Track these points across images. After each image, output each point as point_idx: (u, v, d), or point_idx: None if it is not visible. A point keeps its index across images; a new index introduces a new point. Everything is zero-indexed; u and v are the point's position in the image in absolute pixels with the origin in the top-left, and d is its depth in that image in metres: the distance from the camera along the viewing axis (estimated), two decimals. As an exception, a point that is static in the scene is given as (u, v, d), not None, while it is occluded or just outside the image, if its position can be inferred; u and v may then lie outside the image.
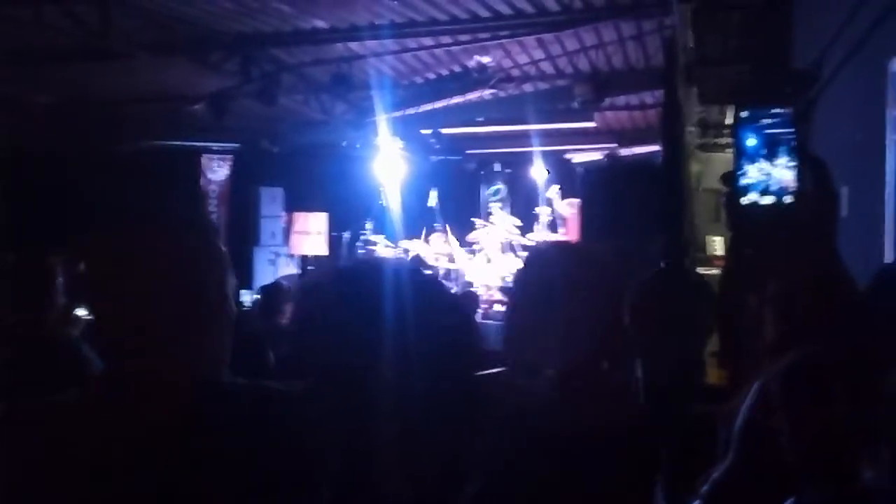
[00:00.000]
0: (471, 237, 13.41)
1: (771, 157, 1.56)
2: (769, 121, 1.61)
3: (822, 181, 1.65)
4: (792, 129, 1.61)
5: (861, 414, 2.13)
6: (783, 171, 1.56)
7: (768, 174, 1.58)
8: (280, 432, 1.57)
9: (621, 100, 11.69)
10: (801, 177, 1.59)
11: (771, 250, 1.72)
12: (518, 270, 1.88)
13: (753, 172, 1.58)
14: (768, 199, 1.58)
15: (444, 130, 12.49)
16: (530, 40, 9.26)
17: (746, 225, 1.67)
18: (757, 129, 1.59)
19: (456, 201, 13.91)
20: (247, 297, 10.74)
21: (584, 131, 12.79)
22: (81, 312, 4.29)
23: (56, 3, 7.34)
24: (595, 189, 8.94)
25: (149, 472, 1.43)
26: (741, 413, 2.63)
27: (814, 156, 1.66)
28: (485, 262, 13.07)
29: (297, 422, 1.65)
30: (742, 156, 1.61)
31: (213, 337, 1.61)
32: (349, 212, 14.05)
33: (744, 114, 1.63)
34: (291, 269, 14.35)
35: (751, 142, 1.60)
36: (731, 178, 1.64)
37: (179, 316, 1.52)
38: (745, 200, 1.60)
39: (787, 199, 1.56)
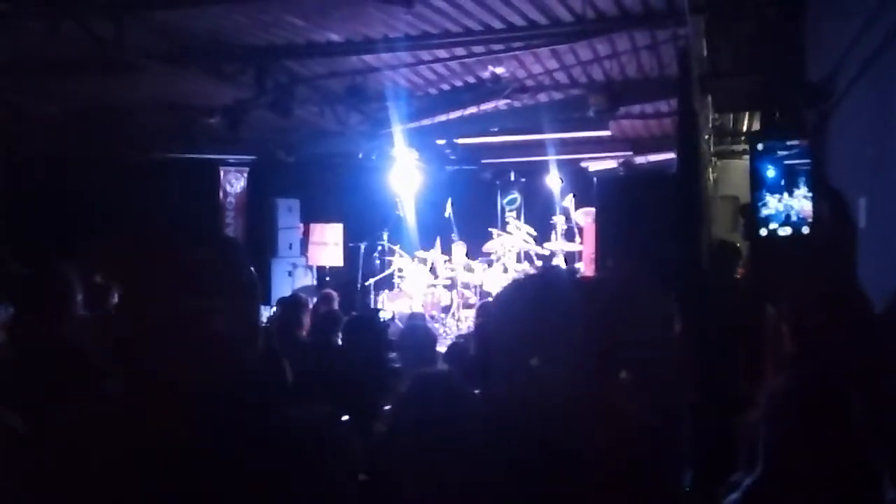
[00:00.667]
0: (487, 247, 13.41)
1: (788, 188, 1.56)
2: (786, 152, 1.61)
3: (840, 212, 1.65)
4: (808, 160, 1.60)
5: (874, 428, 2.13)
6: (800, 202, 1.56)
7: (786, 205, 1.58)
8: (294, 455, 1.58)
9: (636, 108, 11.68)
10: (818, 207, 1.60)
11: (789, 277, 1.72)
12: (496, 304, 1.82)
13: (772, 203, 1.58)
14: (786, 231, 1.57)
15: (460, 141, 12.49)
16: (544, 51, 9.25)
17: (766, 254, 1.68)
18: (774, 160, 1.59)
19: (472, 211, 13.90)
20: (264, 312, 10.68)
21: (600, 140, 12.77)
22: (98, 322, 4.33)
23: (72, 16, 7.42)
24: (610, 199, 8.90)
25: (162, 484, 1.45)
26: (762, 425, 2.63)
27: (830, 187, 1.66)
28: (501, 271, 13.07)
29: (314, 446, 1.66)
30: (759, 187, 1.61)
31: (234, 353, 1.62)
32: (365, 222, 14.08)
33: (759, 146, 1.63)
34: (309, 280, 14.38)
35: (768, 173, 1.60)
36: (748, 209, 1.64)
37: (198, 330, 1.53)
38: (763, 232, 1.60)
39: (805, 229, 1.56)
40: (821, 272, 1.75)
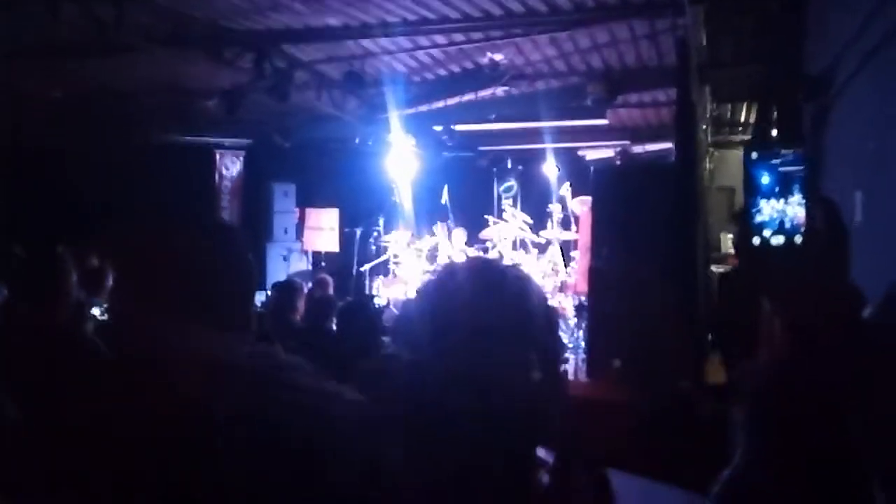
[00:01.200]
0: (483, 234, 13.40)
1: (783, 194, 1.56)
2: (779, 160, 1.62)
3: (832, 219, 1.65)
4: (802, 167, 1.61)
5: (864, 427, 2.15)
6: (794, 209, 1.56)
7: (779, 211, 1.59)
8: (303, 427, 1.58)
9: (634, 97, 11.66)
10: (811, 215, 1.61)
11: (782, 284, 1.72)
12: (422, 292, 1.72)
13: (766, 210, 1.58)
14: (779, 240, 1.58)
15: (457, 127, 12.48)
16: (543, 38, 9.22)
17: (759, 264, 1.68)
18: (768, 167, 1.59)
19: (468, 198, 13.87)
20: (259, 296, 10.62)
21: (597, 128, 12.76)
22: (95, 309, 4.33)
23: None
24: (607, 188, 8.89)
25: (161, 470, 1.45)
26: (748, 415, 2.65)
27: (823, 196, 1.67)
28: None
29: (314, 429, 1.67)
30: (753, 194, 1.62)
31: (232, 338, 1.62)
32: (361, 208, 14.04)
33: (753, 155, 1.64)
34: (304, 265, 14.37)
35: (762, 180, 1.60)
36: (741, 216, 1.64)
37: (198, 314, 1.53)
38: (756, 240, 1.61)
39: (798, 238, 1.57)
40: (815, 277, 1.76)
